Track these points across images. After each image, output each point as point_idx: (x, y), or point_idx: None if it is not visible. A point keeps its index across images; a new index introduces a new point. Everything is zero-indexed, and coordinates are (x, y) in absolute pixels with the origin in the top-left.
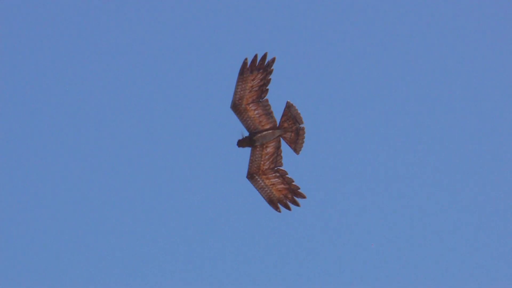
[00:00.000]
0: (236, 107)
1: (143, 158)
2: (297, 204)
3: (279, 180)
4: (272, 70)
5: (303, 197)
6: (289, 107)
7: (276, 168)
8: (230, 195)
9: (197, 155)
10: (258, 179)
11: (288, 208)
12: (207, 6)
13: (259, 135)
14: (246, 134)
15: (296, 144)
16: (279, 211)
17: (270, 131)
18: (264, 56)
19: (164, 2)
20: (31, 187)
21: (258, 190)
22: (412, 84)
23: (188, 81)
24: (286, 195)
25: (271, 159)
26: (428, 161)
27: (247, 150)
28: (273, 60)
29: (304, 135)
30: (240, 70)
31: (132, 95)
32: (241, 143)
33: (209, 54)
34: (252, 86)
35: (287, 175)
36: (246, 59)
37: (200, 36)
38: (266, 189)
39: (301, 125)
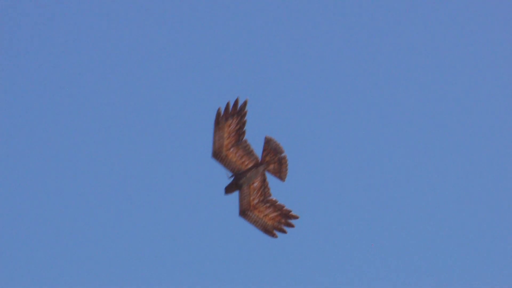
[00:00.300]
0: (217, 155)
1: (135, 208)
2: (291, 226)
3: (271, 209)
4: (246, 112)
5: (296, 218)
6: (268, 141)
7: (265, 200)
8: (228, 233)
9: (186, 201)
10: (251, 214)
11: (284, 231)
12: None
13: (244, 178)
14: (230, 174)
15: (280, 173)
16: (276, 237)
17: (254, 169)
18: (236, 102)
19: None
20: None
21: (252, 224)
22: (391, 107)
23: (167, 132)
24: (279, 221)
25: (259, 193)
26: (417, 180)
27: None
28: (245, 103)
29: (287, 162)
30: (215, 121)
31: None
32: (229, 190)
33: (180, 102)
34: (229, 132)
35: (277, 203)
36: (219, 108)
37: (169, 86)
38: (260, 221)
39: (283, 155)
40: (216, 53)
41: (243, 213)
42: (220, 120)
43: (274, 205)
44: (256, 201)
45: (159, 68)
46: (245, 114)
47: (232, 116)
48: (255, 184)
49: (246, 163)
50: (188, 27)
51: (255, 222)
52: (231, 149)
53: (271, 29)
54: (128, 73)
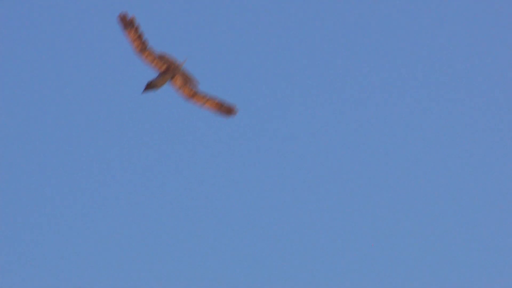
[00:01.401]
0: (137, 55)
1: None
2: (233, 112)
3: (208, 98)
4: (138, 26)
5: (234, 106)
6: (162, 56)
7: (198, 92)
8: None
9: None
10: (193, 101)
11: (234, 112)
12: None
13: (155, 80)
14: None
15: (191, 82)
16: (235, 113)
17: (166, 74)
18: (125, 15)
19: None
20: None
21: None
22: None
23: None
24: (221, 107)
25: (187, 86)
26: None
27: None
28: (132, 17)
29: (189, 72)
30: (121, 27)
31: None
32: (146, 88)
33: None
34: (133, 38)
35: (210, 95)
36: (120, 14)
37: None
38: (204, 106)
39: (182, 67)
40: None
41: (187, 99)
42: (123, 26)
43: (209, 96)
44: (190, 92)
45: None
46: (138, 27)
47: (129, 26)
48: (178, 82)
49: (159, 65)
50: None
51: (202, 106)
52: (145, 52)
53: None
54: None
